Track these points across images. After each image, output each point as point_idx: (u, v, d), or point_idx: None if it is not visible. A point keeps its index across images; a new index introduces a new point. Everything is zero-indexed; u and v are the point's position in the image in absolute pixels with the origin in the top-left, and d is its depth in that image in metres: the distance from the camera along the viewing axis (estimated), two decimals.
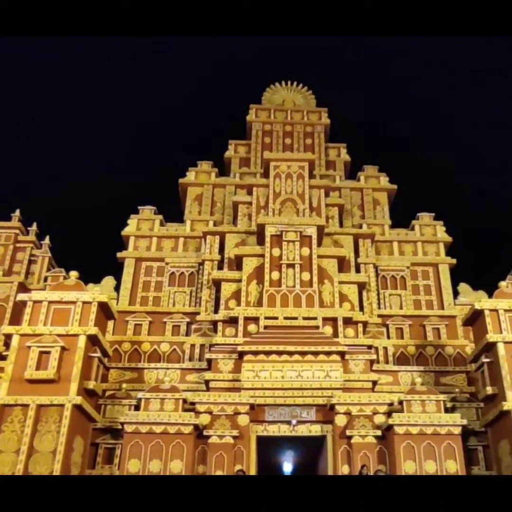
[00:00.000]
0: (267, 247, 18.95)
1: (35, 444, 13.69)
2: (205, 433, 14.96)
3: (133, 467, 14.38)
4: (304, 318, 17.54)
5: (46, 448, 13.67)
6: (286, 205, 20.20)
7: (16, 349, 14.64)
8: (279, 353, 16.43)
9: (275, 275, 18.53)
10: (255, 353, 16.44)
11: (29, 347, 14.56)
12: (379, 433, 15.10)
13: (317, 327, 17.38)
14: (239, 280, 18.64)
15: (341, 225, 21.93)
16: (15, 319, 17.30)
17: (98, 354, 15.32)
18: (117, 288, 19.24)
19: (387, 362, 18.64)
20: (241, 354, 16.49)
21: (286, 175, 20.81)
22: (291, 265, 18.69)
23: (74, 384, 14.31)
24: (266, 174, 21.34)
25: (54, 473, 13.21)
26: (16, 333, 14.85)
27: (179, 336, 18.84)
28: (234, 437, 14.94)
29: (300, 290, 18.14)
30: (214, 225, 21.64)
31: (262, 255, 18.92)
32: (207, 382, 16.65)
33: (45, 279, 19.46)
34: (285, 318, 17.52)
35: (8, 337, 15.47)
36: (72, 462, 14.10)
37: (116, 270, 20.28)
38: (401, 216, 23.06)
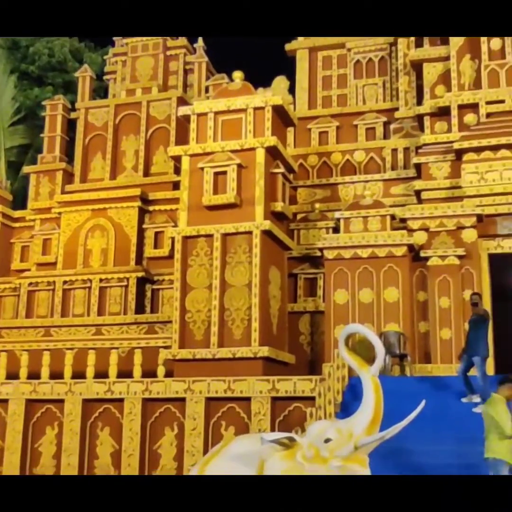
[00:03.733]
0: None
1: (227, 278, 12.24)
2: (422, 254, 12.91)
3: (340, 298, 12.87)
4: None
5: (240, 282, 12.18)
6: None
7: (187, 172, 12.74)
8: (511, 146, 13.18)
9: (496, 43, 14.32)
10: (478, 150, 13.40)
11: (201, 168, 12.56)
12: None
13: None
14: (447, 58, 14.80)
15: None
16: (181, 141, 15.19)
17: (282, 170, 12.89)
18: (291, 90, 16.38)
19: None
20: (459, 153, 13.60)
21: None
22: None
23: (259, 207, 12.29)
24: None
25: (253, 308, 11.92)
26: (185, 154, 12.80)
27: (375, 140, 15.93)
28: (460, 257, 12.66)
29: None
30: None
31: None
32: (417, 193, 14.25)
33: (206, 90, 16.95)
34: None
35: (177, 160, 13.49)
36: (270, 296, 12.51)
37: (287, 69, 17.08)
38: None
